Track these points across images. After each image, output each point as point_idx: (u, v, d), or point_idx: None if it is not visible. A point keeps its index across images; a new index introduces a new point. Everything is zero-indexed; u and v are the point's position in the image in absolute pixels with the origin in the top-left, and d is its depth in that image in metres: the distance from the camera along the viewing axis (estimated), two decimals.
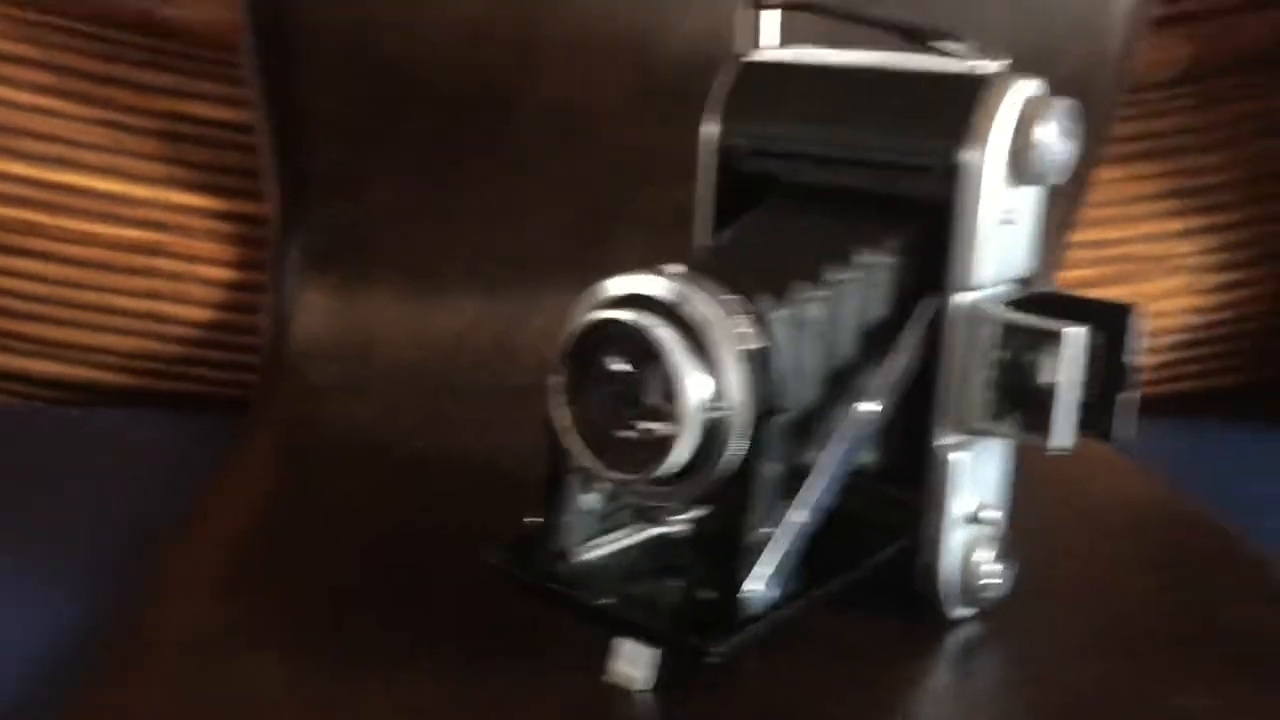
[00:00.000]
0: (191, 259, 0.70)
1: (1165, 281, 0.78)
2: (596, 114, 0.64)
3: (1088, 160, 0.70)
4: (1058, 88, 0.66)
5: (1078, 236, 0.76)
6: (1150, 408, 0.78)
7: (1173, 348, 0.78)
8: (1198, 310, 0.78)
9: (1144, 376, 0.78)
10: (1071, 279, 0.76)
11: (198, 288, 0.70)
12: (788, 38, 0.46)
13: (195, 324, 0.70)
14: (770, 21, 0.45)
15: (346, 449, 0.58)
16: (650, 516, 0.43)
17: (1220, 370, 0.79)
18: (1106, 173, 0.76)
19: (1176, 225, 0.77)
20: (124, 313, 0.70)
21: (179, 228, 0.70)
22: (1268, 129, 0.77)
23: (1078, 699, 0.39)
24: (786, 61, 0.44)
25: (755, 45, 0.45)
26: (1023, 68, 0.64)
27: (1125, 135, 0.76)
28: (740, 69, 0.44)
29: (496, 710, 0.37)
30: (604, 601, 0.38)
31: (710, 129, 0.44)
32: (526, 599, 0.40)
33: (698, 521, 0.43)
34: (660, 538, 0.43)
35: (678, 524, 0.44)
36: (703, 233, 0.46)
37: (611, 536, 0.42)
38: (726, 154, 0.44)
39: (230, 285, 0.70)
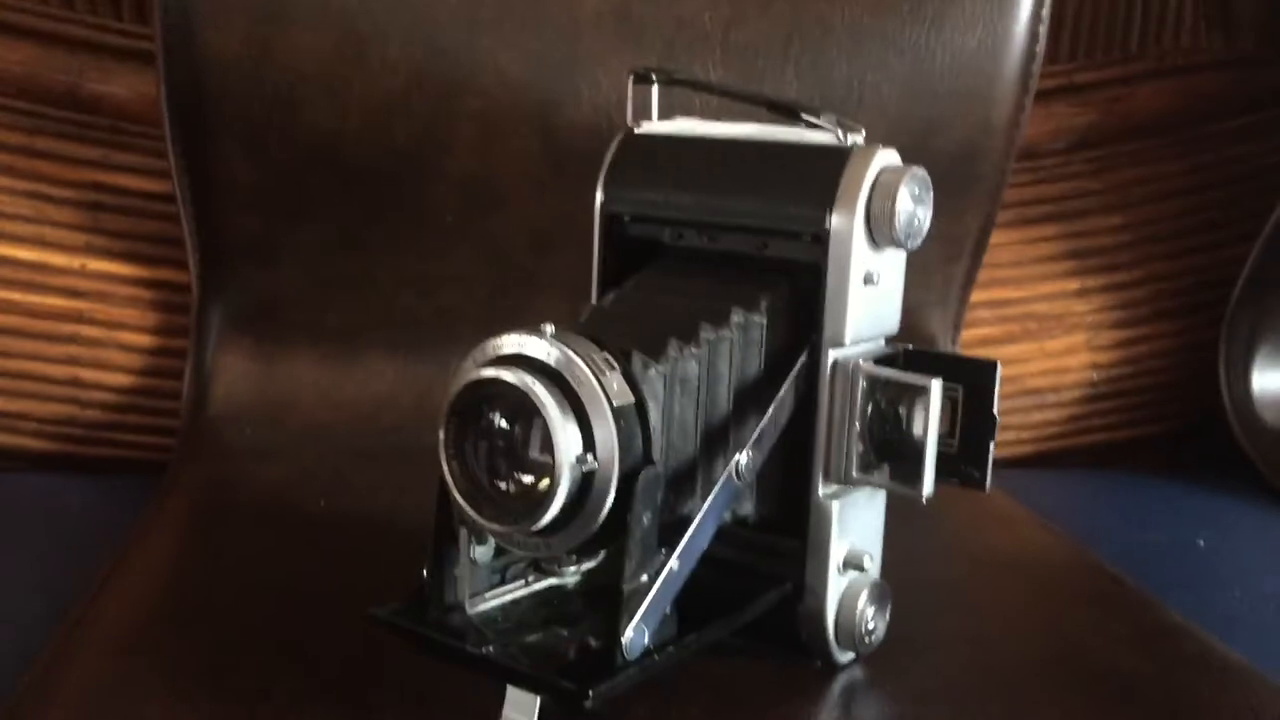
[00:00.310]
0: (113, 325, 0.71)
1: (1066, 339, 0.81)
2: (509, 183, 0.67)
3: (985, 222, 0.73)
4: (947, 156, 0.70)
5: (980, 296, 0.79)
6: (1054, 461, 0.82)
7: (1075, 402, 0.81)
8: (1097, 366, 0.81)
9: (1048, 431, 0.82)
10: (975, 337, 0.79)
11: (119, 354, 0.71)
12: (676, 111, 0.48)
13: (116, 389, 0.71)
14: (655, 96, 0.47)
15: (257, 511, 0.59)
16: (546, 568, 0.45)
17: (1121, 424, 0.82)
18: (1007, 235, 0.79)
19: (1074, 284, 0.81)
20: (45, 379, 0.71)
21: (101, 295, 0.71)
22: (1159, 193, 0.81)
23: None
24: (668, 133, 0.46)
25: (643, 117, 0.47)
26: (913, 138, 0.67)
27: (1024, 200, 0.80)
28: (623, 140, 0.47)
29: None
30: (485, 649, 0.39)
31: (598, 197, 0.47)
32: (415, 651, 0.41)
33: (591, 573, 0.45)
34: (555, 589, 0.45)
35: (572, 575, 0.45)
36: (595, 296, 0.48)
37: (507, 588, 0.44)
38: (611, 221, 0.46)
39: (151, 351, 0.72)
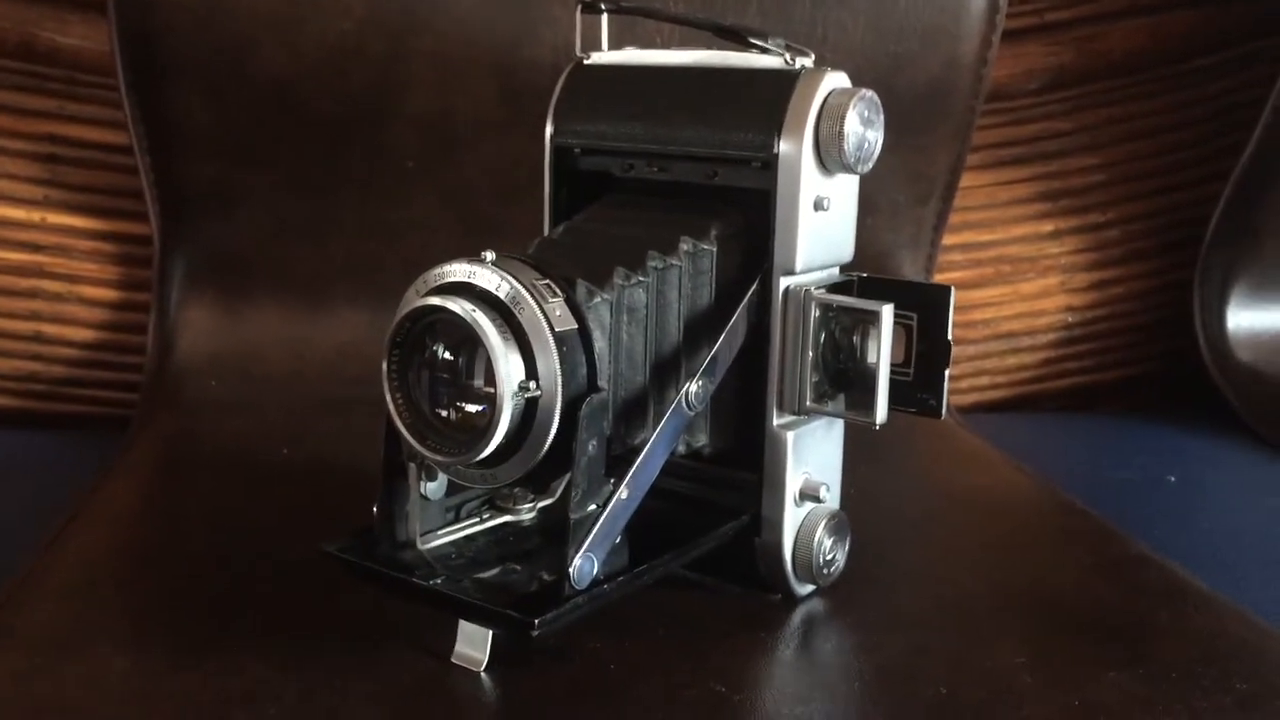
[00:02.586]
0: (74, 280, 0.70)
1: (1040, 281, 0.80)
2: (469, 124, 0.66)
3: (955, 162, 0.73)
4: (915, 93, 0.69)
5: (953, 239, 0.78)
6: (1030, 404, 0.81)
7: (1051, 345, 0.81)
8: (1072, 309, 0.80)
9: (1023, 375, 0.81)
10: (948, 279, 0.78)
11: (81, 308, 0.71)
12: (637, 42, 0.48)
13: (79, 344, 0.71)
14: (605, 25, 0.46)
15: (219, 462, 0.58)
16: (501, 505, 0.45)
17: (1096, 367, 0.81)
18: (979, 177, 0.78)
19: (1048, 226, 0.80)
20: (6, 334, 0.70)
21: (60, 249, 0.70)
22: (1132, 133, 0.80)
23: (899, 665, 0.40)
24: (617, 63, 0.46)
25: (592, 48, 0.46)
26: (879, 74, 0.67)
27: (996, 141, 0.79)
28: (572, 71, 0.46)
29: (327, 689, 0.38)
30: (433, 583, 0.39)
31: (547, 129, 0.46)
32: (367, 588, 0.41)
33: (548, 510, 0.44)
34: (511, 526, 0.45)
35: (528, 512, 0.45)
36: (547, 231, 0.47)
37: (461, 525, 0.44)
38: (561, 154, 0.46)
39: (113, 305, 0.71)
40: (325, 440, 0.60)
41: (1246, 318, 0.78)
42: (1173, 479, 0.65)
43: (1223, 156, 0.78)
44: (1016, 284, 0.80)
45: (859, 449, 0.46)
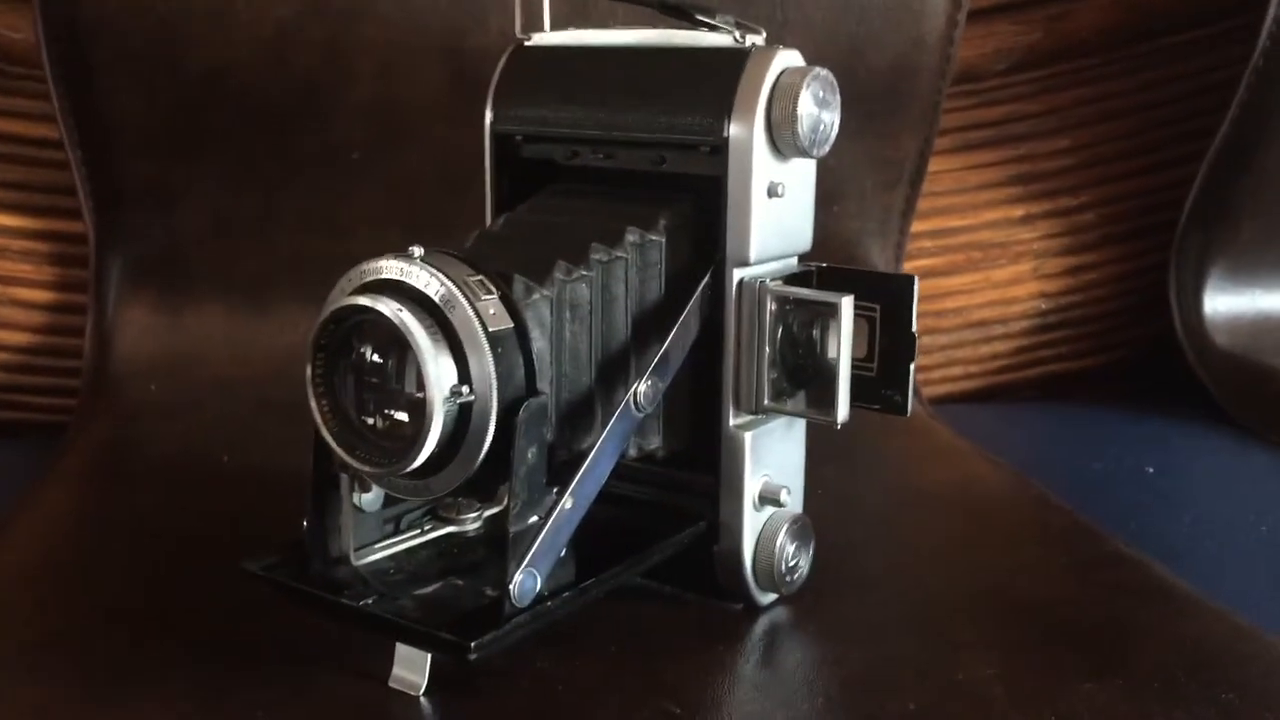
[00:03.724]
0: (7, 281, 0.67)
1: (1012, 268, 0.78)
2: (416, 116, 0.63)
3: (923, 145, 0.70)
4: (879, 75, 0.67)
5: (922, 226, 0.76)
6: (1003, 394, 0.79)
7: (1024, 333, 0.79)
8: (1045, 295, 0.78)
9: (996, 364, 0.79)
10: (918, 268, 0.76)
11: (15, 311, 0.67)
12: (574, 21, 0.45)
13: (13, 348, 0.68)
14: (547, 4, 0.44)
15: (158, 469, 0.56)
16: (444, 516, 0.42)
17: (1071, 354, 0.79)
18: (947, 161, 0.76)
19: (1019, 211, 0.78)
20: None
21: None
22: (1104, 114, 0.78)
23: (866, 678, 0.38)
24: (558, 44, 0.43)
25: (533, 29, 0.44)
26: (842, 55, 0.64)
27: (964, 124, 0.77)
28: (512, 54, 0.43)
29: None
30: (363, 604, 0.36)
31: (486, 116, 0.43)
32: (296, 608, 0.38)
33: (495, 519, 0.42)
34: (455, 537, 0.42)
35: (473, 522, 0.42)
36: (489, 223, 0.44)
37: (401, 538, 0.41)
38: (502, 141, 0.43)
39: (48, 307, 0.68)
40: (268, 447, 0.58)
41: (1224, 301, 0.76)
42: (1150, 469, 0.63)
43: (1197, 137, 0.76)
44: (988, 271, 0.78)
45: (823, 446, 0.44)
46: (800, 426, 0.43)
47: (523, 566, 0.35)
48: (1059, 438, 0.71)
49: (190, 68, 0.61)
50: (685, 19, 0.40)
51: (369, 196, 0.65)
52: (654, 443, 0.42)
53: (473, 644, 0.34)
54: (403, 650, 0.37)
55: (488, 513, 0.42)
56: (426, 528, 0.42)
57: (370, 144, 0.64)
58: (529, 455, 0.35)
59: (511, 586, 0.35)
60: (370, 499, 0.39)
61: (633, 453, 0.41)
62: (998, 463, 0.59)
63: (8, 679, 0.38)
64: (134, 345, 0.65)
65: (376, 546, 0.40)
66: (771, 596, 0.43)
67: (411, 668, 0.37)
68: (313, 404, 0.36)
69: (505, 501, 0.41)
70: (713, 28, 0.40)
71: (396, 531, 0.41)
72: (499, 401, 0.34)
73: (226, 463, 0.56)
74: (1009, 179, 0.78)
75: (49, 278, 0.68)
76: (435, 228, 0.65)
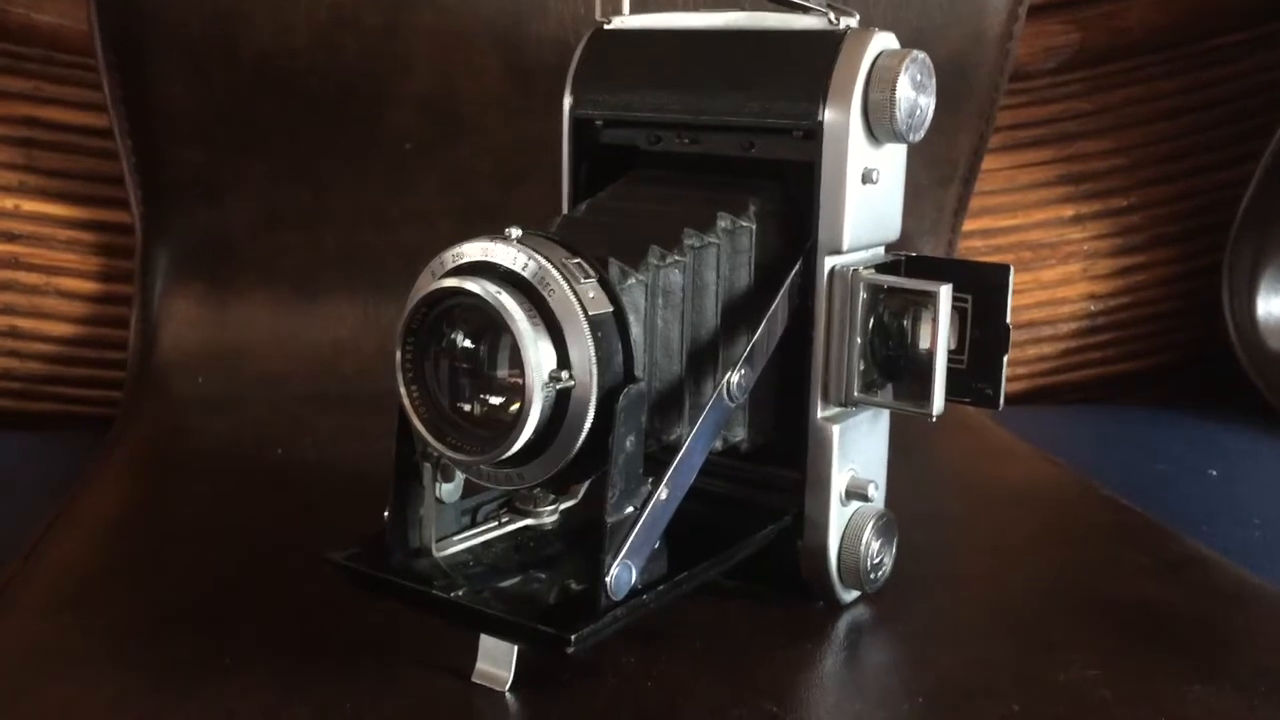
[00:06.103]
0: (51, 271, 0.66)
1: (1061, 268, 0.77)
2: (472, 103, 0.62)
3: (978, 143, 0.70)
4: (938, 69, 0.66)
5: (972, 225, 0.75)
6: (1054, 395, 0.78)
7: (1072, 335, 0.78)
8: (1095, 297, 0.77)
9: (1044, 366, 0.78)
10: None
11: (59, 301, 0.67)
12: (649, 4, 0.44)
13: (57, 339, 0.67)
14: None
15: (209, 462, 0.55)
16: (521, 509, 0.41)
17: (1120, 357, 0.78)
18: (998, 160, 0.75)
19: (1069, 211, 0.77)
20: None
21: (37, 238, 0.66)
22: (1156, 114, 0.77)
23: (962, 679, 0.37)
24: (642, 28, 0.42)
25: (614, 12, 0.43)
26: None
27: (1014, 123, 0.76)
28: (592, 37, 0.42)
29: (339, 714, 0.34)
30: (453, 595, 0.35)
31: (565, 100, 0.42)
32: (377, 600, 0.37)
33: (570, 512, 0.41)
34: (531, 531, 0.41)
35: (549, 516, 0.41)
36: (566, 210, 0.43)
37: (477, 530, 0.40)
38: (581, 126, 0.42)
39: (93, 298, 0.67)
40: (320, 440, 0.57)
41: (1277, 304, 0.75)
42: (1214, 472, 0.62)
43: (1249, 138, 0.75)
44: (1037, 271, 0.77)
45: None
46: (885, 420, 0.42)
47: (619, 558, 0.34)
48: (1116, 439, 0.70)
49: (243, 55, 0.60)
50: (776, 1, 0.39)
51: (420, 189, 0.64)
52: (739, 434, 0.41)
53: (573, 636, 0.33)
54: (487, 644, 0.36)
55: (564, 505, 0.41)
56: (503, 520, 0.40)
57: (423, 135, 0.63)
58: (627, 444, 0.34)
59: (608, 579, 0.34)
60: (450, 489, 0.38)
61: (717, 445, 0.40)
62: (1058, 462, 0.58)
63: (87, 668, 0.37)
64: (180, 337, 0.64)
65: (454, 539, 0.39)
66: (854, 594, 0.42)
67: (497, 661, 0.36)
68: (401, 390, 0.35)
69: (580, 495, 0.41)
70: (805, 9, 0.39)
71: (473, 524, 0.40)
72: (598, 388, 0.33)
73: (280, 455, 0.55)
74: (1059, 178, 0.77)
75: (94, 268, 0.67)
76: (488, 220, 0.65)
